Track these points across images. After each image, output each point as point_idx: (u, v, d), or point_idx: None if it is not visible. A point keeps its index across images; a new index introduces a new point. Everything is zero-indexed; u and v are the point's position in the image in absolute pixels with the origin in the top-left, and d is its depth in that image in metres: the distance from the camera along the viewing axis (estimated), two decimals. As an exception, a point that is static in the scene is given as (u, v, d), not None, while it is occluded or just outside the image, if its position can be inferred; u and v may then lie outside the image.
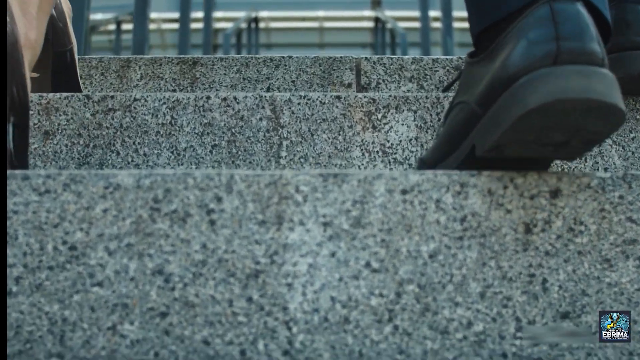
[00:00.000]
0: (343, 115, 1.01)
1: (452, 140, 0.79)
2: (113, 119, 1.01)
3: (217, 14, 14.54)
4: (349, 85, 1.32)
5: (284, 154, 0.99)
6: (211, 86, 1.33)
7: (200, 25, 7.18)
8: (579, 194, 0.69)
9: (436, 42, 7.08)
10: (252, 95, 1.01)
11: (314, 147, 1.00)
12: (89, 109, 1.01)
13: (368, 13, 14.61)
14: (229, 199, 0.69)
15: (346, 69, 1.33)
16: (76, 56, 1.14)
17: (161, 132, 1.00)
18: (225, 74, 1.33)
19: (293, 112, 1.01)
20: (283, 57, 1.33)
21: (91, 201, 0.69)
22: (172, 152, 1.00)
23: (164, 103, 1.01)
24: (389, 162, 0.99)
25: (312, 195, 0.69)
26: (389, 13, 13.49)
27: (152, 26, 14.51)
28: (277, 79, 1.33)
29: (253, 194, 0.69)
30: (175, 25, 6.05)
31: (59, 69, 1.11)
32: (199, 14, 7.29)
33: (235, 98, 1.01)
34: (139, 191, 0.69)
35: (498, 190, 0.69)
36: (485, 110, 0.72)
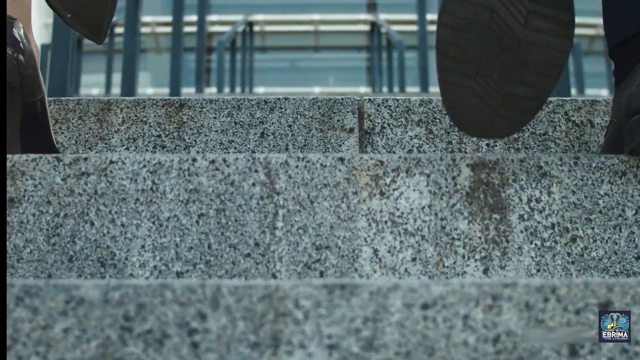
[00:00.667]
0: (347, 180, 0.89)
1: None
2: (87, 185, 0.89)
3: (212, 17, 14.43)
4: (351, 130, 1.21)
5: (280, 224, 0.88)
6: (200, 131, 1.21)
7: (194, 28, 7.05)
8: (634, 307, 0.58)
9: (433, 45, 6.95)
10: (244, 157, 0.89)
11: (314, 217, 0.88)
12: (60, 173, 0.89)
13: (364, 16, 14.49)
14: (214, 316, 0.57)
15: (348, 111, 1.22)
16: (47, 105, 1.02)
17: (141, 200, 0.89)
18: (215, 118, 1.21)
19: (290, 177, 0.89)
20: (279, 99, 1.22)
21: (49, 319, 0.57)
22: (153, 223, 0.88)
23: (144, 166, 0.89)
24: (399, 234, 0.88)
25: (315, 311, 0.57)
26: (385, 16, 13.39)
27: (146, 30, 14.40)
28: (272, 123, 1.21)
29: (244, 310, 0.57)
30: (170, 29, 5.91)
31: (28, 122, 0.99)
32: (193, 18, 7.17)
33: (224, 160, 0.89)
34: (107, 306, 0.57)
35: (537, 303, 0.58)
36: None
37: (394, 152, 1.20)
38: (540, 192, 0.90)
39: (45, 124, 1.01)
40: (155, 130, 1.21)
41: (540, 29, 0.82)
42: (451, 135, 1.21)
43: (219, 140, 1.21)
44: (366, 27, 13.55)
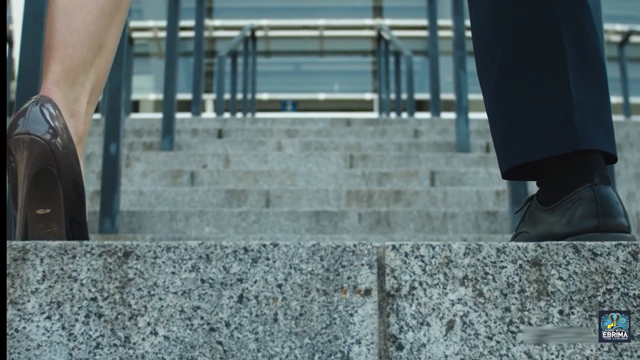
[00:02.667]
0: None
1: None
2: None
3: (215, 22, 14.09)
4: (367, 292, 0.85)
5: None
6: (152, 292, 0.85)
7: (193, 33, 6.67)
8: None
9: (443, 50, 6.54)
10: None
11: None
12: None
13: (369, 21, 14.12)
14: None
15: (363, 264, 0.86)
16: None
17: None
18: (173, 273, 0.86)
19: None
20: (264, 245, 0.85)
21: None
22: None
23: None
24: None
25: None
26: (391, 21, 13.02)
27: (148, 34, 14.08)
28: (255, 282, 0.85)
29: None
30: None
31: None
32: (193, 22, 6.79)
33: None
34: None
35: None
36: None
37: (429, 325, 0.84)
38: None
39: None
40: (90, 290, 0.85)
41: None
42: (509, 299, 0.85)
43: (178, 307, 0.85)
44: (372, 33, 13.20)
